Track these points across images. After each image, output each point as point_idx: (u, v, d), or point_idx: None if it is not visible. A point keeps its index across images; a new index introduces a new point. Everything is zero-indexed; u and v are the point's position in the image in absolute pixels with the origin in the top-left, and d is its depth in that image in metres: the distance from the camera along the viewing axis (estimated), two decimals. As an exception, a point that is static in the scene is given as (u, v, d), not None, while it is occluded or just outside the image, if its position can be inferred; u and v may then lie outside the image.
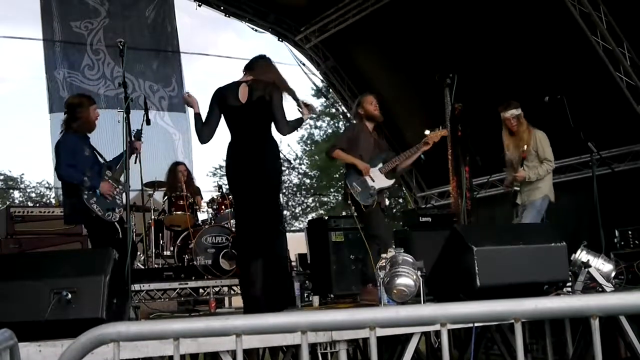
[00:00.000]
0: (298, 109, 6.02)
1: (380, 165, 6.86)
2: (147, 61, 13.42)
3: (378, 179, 6.78)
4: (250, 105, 5.67)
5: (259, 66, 5.88)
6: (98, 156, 6.64)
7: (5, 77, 44.50)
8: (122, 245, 6.28)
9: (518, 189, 7.59)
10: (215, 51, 60.96)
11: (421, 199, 15.10)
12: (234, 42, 43.14)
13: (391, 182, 6.90)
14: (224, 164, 25.73)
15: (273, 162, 5.77)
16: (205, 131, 5.80)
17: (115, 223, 6.45)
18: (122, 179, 6.58)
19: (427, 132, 6.97)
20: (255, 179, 5.65)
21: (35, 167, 54.04)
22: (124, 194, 6.52)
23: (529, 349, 6.57)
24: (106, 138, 12.37)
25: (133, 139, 6.45)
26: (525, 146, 7.40)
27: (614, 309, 1.88)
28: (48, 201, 28.38)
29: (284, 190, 32.17)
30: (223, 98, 5.77)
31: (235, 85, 5.78)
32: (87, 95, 6.63)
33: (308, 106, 6.06)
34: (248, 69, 5.89)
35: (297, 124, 5.98)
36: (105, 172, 6.53)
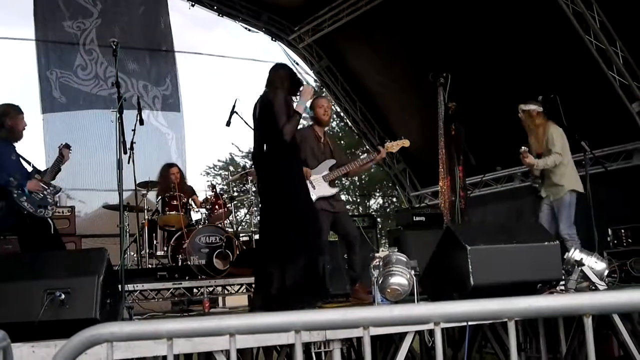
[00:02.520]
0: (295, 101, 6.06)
1: (326, 172, 6.72)
2: (140, 60, 13.41)
3: (319, 187, 6.63)
4: (259, 118, 5.95)
5: (267, 79, 6.07)
6: (25, 163, 6.80)
7: (-5, 77, 44.16)
8: (57, 240, 6.76)
9: (537, 185, 7.62)
10: (208, 50, 60.92)
11: (415, 198, 15.11)
12: (227, 41, 43.06)
13: (334, 190, 6.74)
14: (217, 163, 25.27)
15: (277, 173, 5.85)
16: None
17: (48, 219, 6.65)
18: (52, 182, 6.86)
19: (387, 142, 6.98)
20: (265, 190, 5.97)
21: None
22: (55, 195, 6.84)
23: (523, 348, 6.58)
24: (99, 137, 12.39)
25: (63, 147, 6.89)
26: (537, 142, 7.46)
27: (607, 307, 1.88)
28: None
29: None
30: (253, 113, 6.10)
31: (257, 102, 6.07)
32: (15, 105, 6.75)
33: (303, 92, 6.09)
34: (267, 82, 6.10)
35: (296, 120, 5.92)
36: (34, 175, 6.72)
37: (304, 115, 6.06)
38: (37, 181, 6.61)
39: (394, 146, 6.97)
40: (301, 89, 6.10)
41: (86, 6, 12.85)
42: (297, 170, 6.02)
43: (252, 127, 6.07)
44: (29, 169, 6.79)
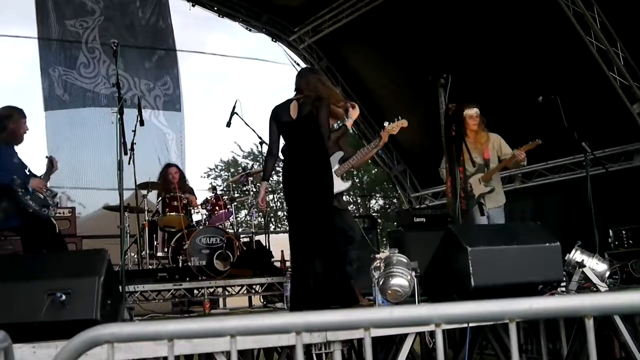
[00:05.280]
0: (344, 116, 6.21)
1: (336, 166, 6.71)
2: (142, 59, 13.45)
3: (334, 182, 6.63)
4: (299, 121, 5.99)
5: (305, 82, 6.14)
6: (24, 168, 6.78)
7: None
8: (60, 241, 6.79)
9: (492, 188, 7.66)
10: (209, 49, 61.02)
11: (415, 199, 15.11)
12: (228, 41, 43.10)
13: (348, 184, 6.82)
14: (219, 164, 25.32)
15: (319, 176, 5.96)
16: (273, 148, 6.22)
17: (52, 219, 6.68)
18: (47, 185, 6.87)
19: (385, 123, 6.94)
20: (302, 192, 5.95)
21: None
22: (54, 198, 6.83)
23: (524, 349, 6.58)
24: (101, 136, 12.41)
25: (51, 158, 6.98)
26: (492, 147, 7.58)
27: (608, 308, 1.88)
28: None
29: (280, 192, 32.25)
30: (277, 115, 6.12)
31: (287, 103, 6.11)
32: (19, 109, 6.75)
33: (350, 110, 6.22)
34: (297, 88, 6.17)
35: (341, 133, 6.17)
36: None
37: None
38: (39, 180, 6.62)
39: (393, 128, 6.92)
40: (350, 110, 6.28)
41: (89, 4, 12.87)
42: (330, 174, 6.13)
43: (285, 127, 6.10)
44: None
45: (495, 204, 7.64)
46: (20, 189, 6.35)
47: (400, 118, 6.95)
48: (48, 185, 6.92)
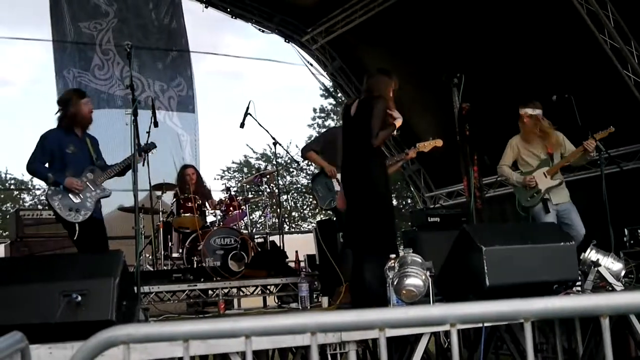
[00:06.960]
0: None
1: None
2: (156, 61, 13.47)
3: None
4: (356, 118, 6.04)
5: (369, 84, 6.19)
6: (89, 157, 6.66)
7: (8, 80, 44.45)
8: (79, 246, 6.48)
9: (561, 181, 7.65)
10: (222, 50, 61.17)
11: (429, 199, 15.07)
12: (241, 42, 43.16)
13: None
14: (231, 165, 25.36)
15: (368, 174, 5.96)
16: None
17: (76, 224, 6.38)
18: (104, 184, 6.67)
19: (419, 143, 6.97)
20: (354, 189, 6.02)
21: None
22: (99, 200, 6.63)
23: (539, 349, 6.55)
24: (116, 138, 12.43)
25: (142, 148, 6.50)
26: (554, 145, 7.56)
27: (624, 308, 1.87)
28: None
29: (301, 192, 32.27)
30: (344, 111, 6.32)
31: (354, 100, 6.24)
32: (77, 89, 6.68)
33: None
34: (365, 88, 6.24)
35: (386, 133, 6.05)
36: (86, 173, 6.55)
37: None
38: (75, 180, 6.42)
39: (425, 146, 6.97)
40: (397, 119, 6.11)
41: (102, 6, 12.93)
42: (384, 171, 6.11)
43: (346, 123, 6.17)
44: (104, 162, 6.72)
45: (564, 198, 7.58)
46: (51, 186, 6.29)
47: (433, 138, 6.97)
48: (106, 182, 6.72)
